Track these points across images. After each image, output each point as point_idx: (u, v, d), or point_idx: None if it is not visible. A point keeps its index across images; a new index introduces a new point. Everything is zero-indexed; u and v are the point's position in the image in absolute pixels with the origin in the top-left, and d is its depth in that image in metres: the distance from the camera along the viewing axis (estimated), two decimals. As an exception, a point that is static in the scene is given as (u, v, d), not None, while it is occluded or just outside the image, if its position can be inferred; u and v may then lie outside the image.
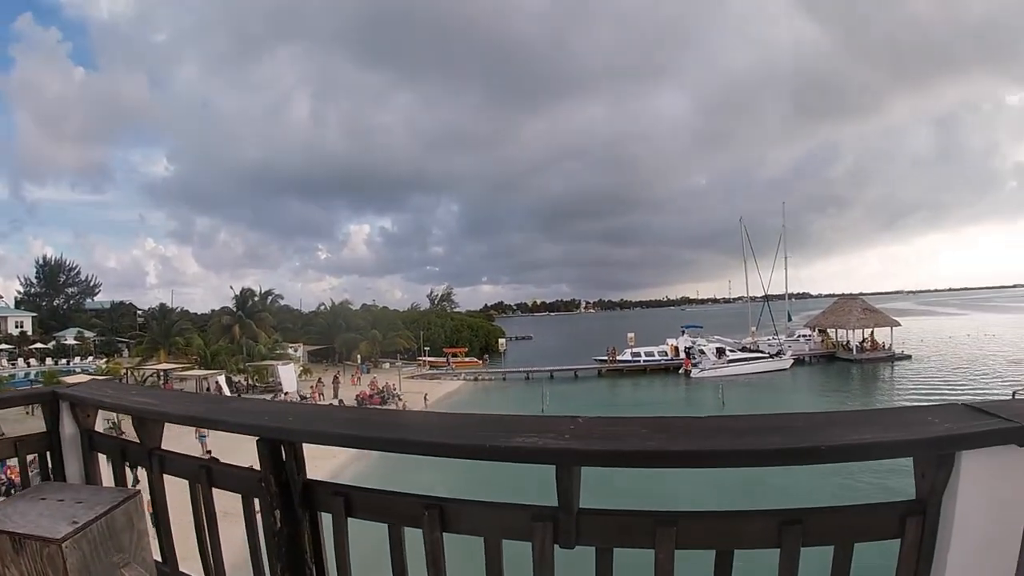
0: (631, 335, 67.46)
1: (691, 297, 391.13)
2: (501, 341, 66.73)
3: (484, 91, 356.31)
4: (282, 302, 77.43)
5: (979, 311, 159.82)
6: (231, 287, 73.88)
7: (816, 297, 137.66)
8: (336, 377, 52.37)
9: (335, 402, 44.91)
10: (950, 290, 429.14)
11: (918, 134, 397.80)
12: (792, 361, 59.47)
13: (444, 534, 1.50)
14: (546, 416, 1.55)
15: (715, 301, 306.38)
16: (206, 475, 1.83)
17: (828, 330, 66.71)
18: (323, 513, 1.68)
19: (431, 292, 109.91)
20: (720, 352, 58.26)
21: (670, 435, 1.39)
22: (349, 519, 1.63)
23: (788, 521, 1.30)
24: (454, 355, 70.07)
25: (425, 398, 46.86)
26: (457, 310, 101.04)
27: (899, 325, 65.96)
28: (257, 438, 1.63)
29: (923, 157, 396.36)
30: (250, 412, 1.84)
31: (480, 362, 70.08)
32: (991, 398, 39.49)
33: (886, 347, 63.53)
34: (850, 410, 1.42)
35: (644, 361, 61.03)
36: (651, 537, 1.32)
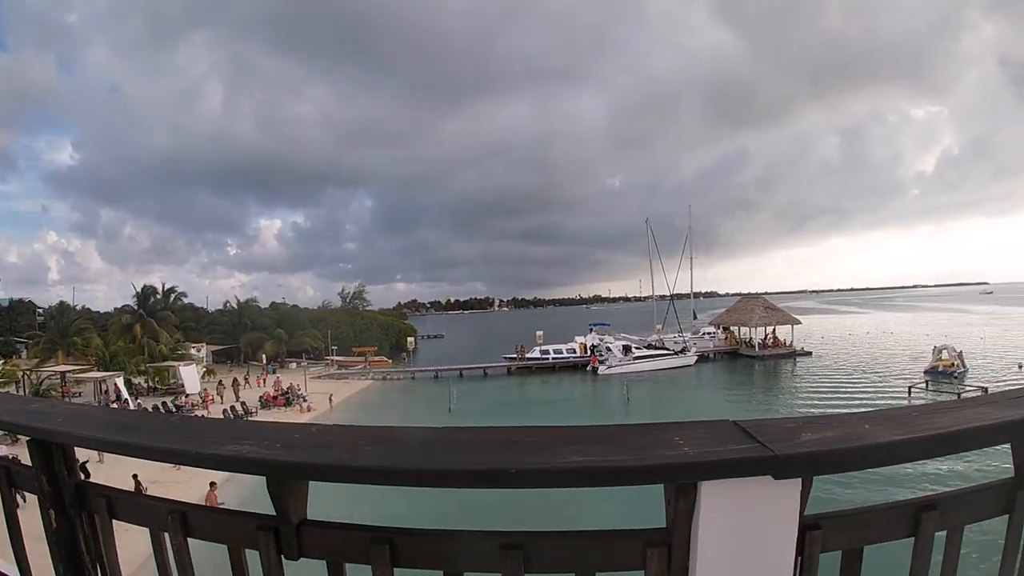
0: (540, 333, 68.30)
1: (603, 296, 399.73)
2: (409, 340, 66.07)
3: (405, 85, 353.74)
4: (186, 300, 74.67)
5: (879, 310, 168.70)
6: (132, 284, 70.93)
7: (724, 296, 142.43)
8: (236, 380, 50.76)
9: (237, 405, 44.07)
10: (852, 290, 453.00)
11: (827, 142, 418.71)
12: (696, 358, 61.50)
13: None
14: (282, 424, 1.49)
15: (627, 300, 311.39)
16: (5, 475, 1.78)
17: (732, 328, 69.14)
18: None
19: (343, 290, 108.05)
20: (626, 349, 59.22)
21: (389, 448, 1.31)
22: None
23: (509, 545, 1.21)
24: (362, 354, 69.20)
25: (330, 399, 46.12)
26: (369, 308, 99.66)
27: (800, 323, 68.98)
28: (28, 439, 1.60)
29: (831, 164, 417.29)
30: (25, 412, 1.79)
31: (389, 361, 69.35)
32: (888, 393, 41.73)
33: (787, 344, 66.00)
34: (602, 425, 1.29)
35: (553, 359, 61.55)
36: (368, 554, 1.26)
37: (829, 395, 43.71)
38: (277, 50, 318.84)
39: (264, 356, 64.59)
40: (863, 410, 1.37)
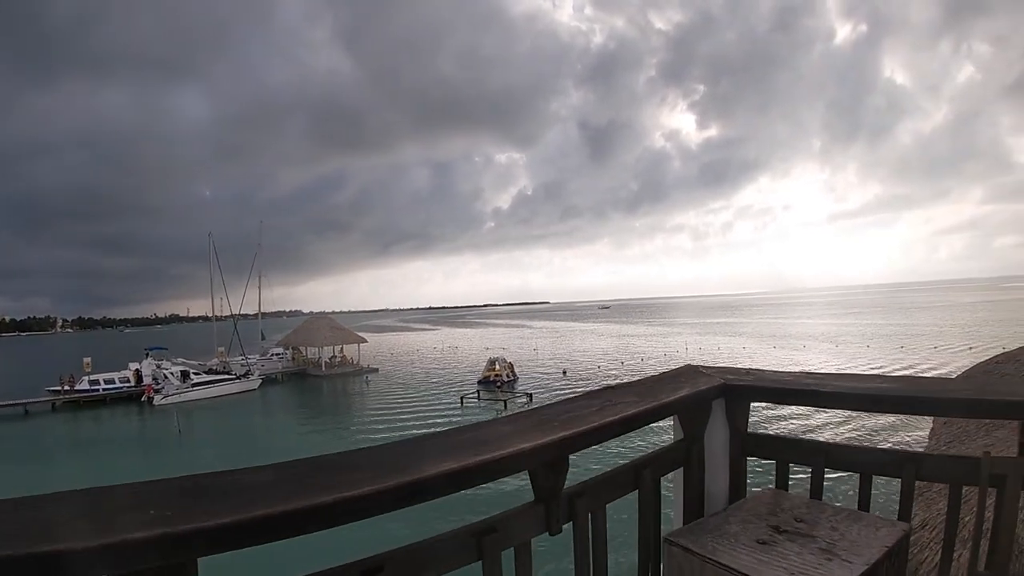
0: (87, 360, 62.22)
1: (182, 315, 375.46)
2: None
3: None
4: None
5: (450, 327, 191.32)
6: None
7: (308, 315, 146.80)
8: None
9: None
10: (430, 309, 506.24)
11: (419, 174, 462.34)
12: (261, 381, 61.32)
13: None
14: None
15: (207, 319, 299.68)
16: None
17: (300, 348, 72.41)
18: None
19: None
20: (185, 376, 57.60)
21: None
22: None
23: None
24: None
25: None
26: None
27: (365, 341, 74.60)
28: None
29: (420, 194, 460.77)
30: None
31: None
32: (443, 403, 45.95)
33: (355, 362, 71.19)
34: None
35: (104, 389, 56.32)
36: None
37: (390, 410, 45.07)
38: None
39: None
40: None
